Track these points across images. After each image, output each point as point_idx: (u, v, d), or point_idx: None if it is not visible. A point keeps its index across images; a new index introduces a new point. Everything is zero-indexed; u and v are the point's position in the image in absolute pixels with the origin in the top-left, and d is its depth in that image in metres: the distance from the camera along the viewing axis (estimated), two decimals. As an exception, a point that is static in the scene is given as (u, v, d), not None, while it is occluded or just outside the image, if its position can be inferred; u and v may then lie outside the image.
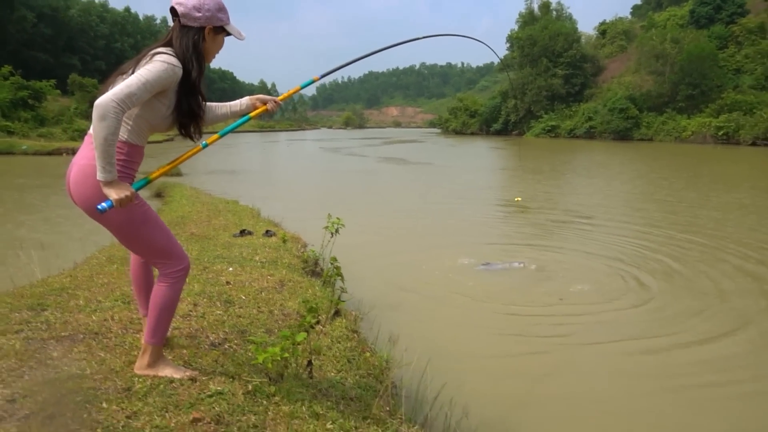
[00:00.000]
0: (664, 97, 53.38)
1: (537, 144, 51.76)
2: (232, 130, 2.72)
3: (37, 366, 2.61)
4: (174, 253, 2.47)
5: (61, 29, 66.76)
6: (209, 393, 2.47)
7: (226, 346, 3.25)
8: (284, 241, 6.85)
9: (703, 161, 30.72)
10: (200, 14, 2.36)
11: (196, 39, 2.38)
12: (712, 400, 4.40)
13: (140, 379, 2.52)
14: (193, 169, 20.22)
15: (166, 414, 2.26)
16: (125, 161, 2.29)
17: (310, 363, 3.02)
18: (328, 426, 2.48)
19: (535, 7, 73.12)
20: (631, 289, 7.01)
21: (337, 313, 3.28)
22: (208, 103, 2.65)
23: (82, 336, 3.06)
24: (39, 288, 4.08)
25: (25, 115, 38.16)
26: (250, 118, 2.76)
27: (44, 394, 2.31)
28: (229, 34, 2.50)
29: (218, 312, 3.84)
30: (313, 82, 2.88)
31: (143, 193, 2.47)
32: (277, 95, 2.92)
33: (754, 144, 42.31)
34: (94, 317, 3.39)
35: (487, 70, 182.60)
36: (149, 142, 2.55)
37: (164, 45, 2.36)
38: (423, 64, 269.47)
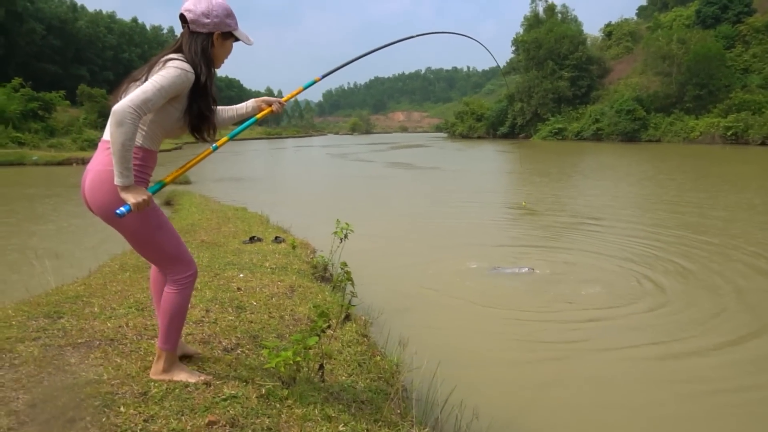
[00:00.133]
0: (672, 98, 53.15)
1: (544, 147, 51.67)
2: (240, 132, 2.78)
3: (55, 372, 2.67)
4: (184, 260, 2.53)
5: (69, 41, 67.48)
6: (224, 397, 2.52)
7: (238, 351, 3.30)
8: (294, 248, 6.91)
9: (712, 162, 30.58)
10: (209, 20, 2.42)
11: (204, 44, 2.43)
12: (736, 406, 4.34)
13: (156, 384, 2.57)
14: (201, 177, 20.37)
15: (182, 417, 2.32)
16: (141, 166, 2.34)
17: (321, 367, 3.06)
18: (341, 428, 2.52)
19: (540, 10, 73.16)
20: (644, 291, 7.00)
21: (348, 317, 3.32)
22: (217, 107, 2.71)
23: (98, 342, 3.12)
24: (54, 296, 4.16)
25: (36, 126, 38.53)
26: (256, 120, 2.81)
27: (64, 399, 2.37)
28: (237, 39, 2.55)
29: (230, 318, 3.90)
30: (315, 82, 2.92)
31: (156, 200, 2.53)
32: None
33: (763, 143, 42.08)
34: (109, 324, 3.46)
35: (493, 73, 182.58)
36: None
37: (174, 51, 2.41)
38: (429, 69, 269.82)
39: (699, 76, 50.22)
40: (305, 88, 2.92)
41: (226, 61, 2.62)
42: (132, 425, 2.22)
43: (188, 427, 2.24)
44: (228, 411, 2.40)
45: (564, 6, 74.45)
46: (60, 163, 30.55)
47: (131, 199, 2.20)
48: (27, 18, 60.20)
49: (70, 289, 4.50)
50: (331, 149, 54.48)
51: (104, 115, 38.55)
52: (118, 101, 2.34)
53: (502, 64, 75.74)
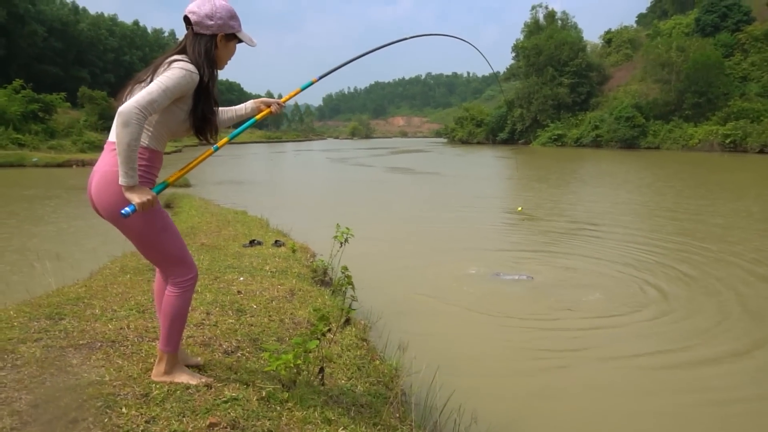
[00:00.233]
0: (671, 105, 53.29)
1: (544, 153, 51.77)
2: (240, 133, 2.81)
3: (57, 373, 2.69)
4: (186, 263, 2.55)
5: (71, 43, 67.60)
6: (224, 399, 2.54)
7: (239, 354, 3.32)
8: (294, 251, 6.93)
9: (711, 169, 30.65)
10: (212, 22, 2.44)
11: (208, 46, 2.45)
12: (739, 416, 4.33)
13: (158, 386, 2.59)
14: (201, 180, 20.40)
15: (184, 419, 2.33)
16: (147, 166, 2.37)
17: (321, 370, 3.08)
18: (340, 431, 2.54)
19: (541, 16, 73.40)
20: (645, 298, 7.02)
21: (348, 321, 3.35)
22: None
23: (99, 344, 3.13)
24: (55, 298, 4.17)
25: (36, 128, 38.56)
26: (256, 121, 2.83)
27: (66, 400, 2.38)
28: (240, 41, 2.57)
29: (230, 321, 3.92)
30: (312, 83, 2.94)
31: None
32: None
33: (761, 151, 42.20)
34: (110, 326, 3.48)
35: (493, 79, 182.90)
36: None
37: (178, 53, 2.44)
38: (429, 74, 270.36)
39: (698, 83, 50.37)
40: (303, 89, 2.94)
41: (228, 63, 2.65)
42: (134, 426, 2.23)
43: (189, 429, 2.26)
44: (229, 413, 2.42)
45: (564, 13, 74.76)
46: (60, 165, 30.56)
47: (136, 198, 2.22)
48: (29, 20, 60.31)
49: (71, 290, 4.52)
50: (330, 153, 54.55)
51: (104, 117, 38.63)
52: (122, 103, 2.38)
53: (502, 69, 76.00)
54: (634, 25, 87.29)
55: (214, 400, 2.52)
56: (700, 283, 7.69)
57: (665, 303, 6.85)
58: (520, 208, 14.71)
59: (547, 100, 65.11)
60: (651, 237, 11.01)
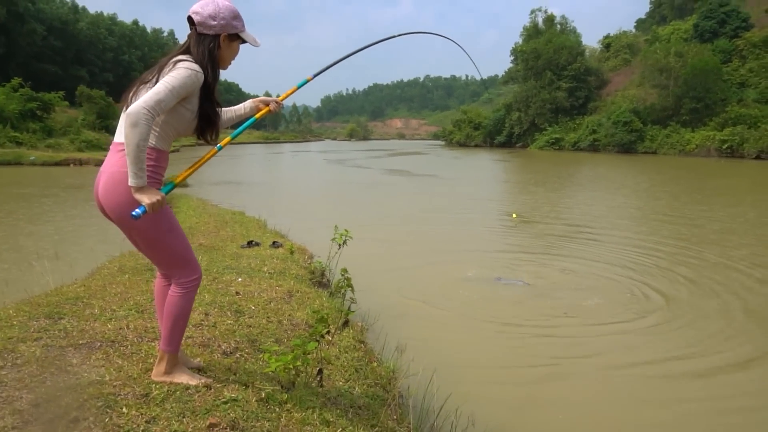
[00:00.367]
0: (668, 111, 53.42)
1: (541, 156, 51.87)
2: (241, 132, 2.82)
3: (57, 372, 2.71)
4: (191, 263, 2.57)
5: (70, 42, 67.50)
6: (224, 400, 2.55)
7: (237, 355, 3.34)
8: (291, 253, 6.95)
9: (708, 175, 30.75)
10: (215, 22, 2.46)
11: (212, 46, 2.47)
12: (736, 427, 4.34)
13: (158, 386, 2.61)
14: (198, 180, 20.38)
15: (184, 419, 2.35)
16: (154, 166, 2.38)
17: (320, 372, 3.10)
18: (339, 433, 2.56)
19: (540, 20, 73.51)
20: (645, 303, 7.05)
21: (346, 323, 3.37)
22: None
23: (99, 344, 3.15)
24: (54, 297, 4.18)
25: (34, 126, 38.45)
26: (256, 120, 2.85)
27: (67, 399, 2.40)
28: (244, 41, 2.59)
29: (229, 321, 3.93)
30: (307, 81, 2.96)
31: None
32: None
33: (758, 157, 42.33)
34: (109, 326, 3.49)
35: (491, 82, 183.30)
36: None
37: (183, 53, 2.46)
38: (427, 77, 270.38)
39: (696, 89, 50.51)
40: (299, 87, 2.97)
41: (234, 59, 2.67)
42: (134, 426, 2.25)
43: (189, 429, 2.28)
44: (228, 414, 2.43)
45: (563, 17, 74.98)
46: (57, 164, 30.50)
47: (146, 200, 2.24)
48: (28, 18, 60.18)
49: (70, 290, 4.53)
50: (328, 155, 54.56)
51: (102, 116, 38.50)
52: (127, 103, 2.40)
53: (500, 73, 76.00)
54: (633, 30, 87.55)
55: (214, 400, 2.53)
56: (700, 288, 7.72)
57: (665, 308, 6.88)
58: (514, 215, 14.60)
59: (545, 103, 65.22)
60: (648, 241, 11.05)
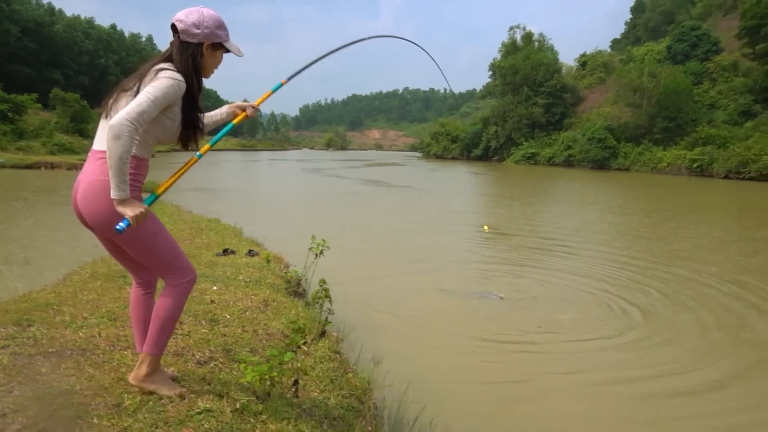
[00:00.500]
0: (641, 129, 54.53)
1: (517, 170, 52.46)
2: (220, 139, 2.79)
3: (26, 381, 2.64)
4: (182, 264, 2.53)
5: (45, 44, 66.30)
6: (198, 410, 2.52)
7: (212, 365, 3.29)
8: (268, 261, 6.90)
9: (678, 192, 31.39)
10: (199, 31, 2.45)
11: (194, 54, 2.46)
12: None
13: (130, 396, 2.56)
14: (173, 187, 19.90)
15: (157, 430, 2.31)
16: (134, 174, 2.35)
17: (296, 382, 3.08)
18: (314, 444, 2.54)
19: (518, 37, 74.61)
20: (618, 318, 7.14)
21: (323, 334, 3.35)
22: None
23: (69, 352, 3.08)
24: (23, 303, 4.08)
25: (4, 128, 37.64)
26: (234, 126, 2.83)
27: (35, 410, 2.34)
28: (228, 50, 2.58)
29: (203, 330, 3.88)
30: (281, 85, 2.95)
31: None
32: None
33: (726, 177, 43.36)
34: (80, 333, 3.42)
35: (469, 96, 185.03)
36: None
37: (165, 60, 2.44)
38: (406, 89, 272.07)
39: (668, 109, 51.69)
40: (274, 91, 2.96)
41: (217, 68, 2.66)
42: (105, 437, 2.20)
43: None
44: (203, 424, 2.40)
45: (541, 35, 76.05)
46: (28, 167, 29.89)
47: (129, 212, 2.21)
48: (2, 19, 59.04)
49: (40, 296, 4.42)
50: (305, 164, 54.42)
51: (76, 120, 37.88)
52: (107, 109, 2.37)
53: (479, 87, 76.72)
54: (609, 50, 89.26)
55: (188, 411, 2.50)
56: (675, 303, 7.87)
57: (642, 323, 6.99)
58: (486, 227, 14.63)
59: (522, 118, 66.06)
60: (622, 256, 11.23)
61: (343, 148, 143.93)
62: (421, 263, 10.11)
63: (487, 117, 72.20)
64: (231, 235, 9.45)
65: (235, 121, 2.83)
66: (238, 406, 2.67)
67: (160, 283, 2.64)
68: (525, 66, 66.69)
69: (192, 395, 2.67)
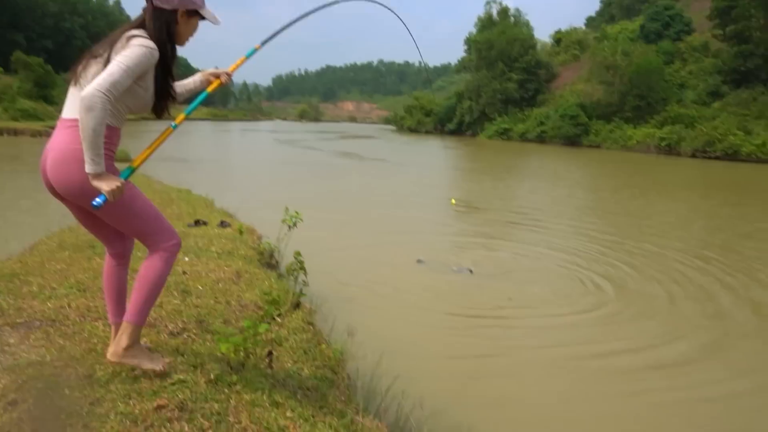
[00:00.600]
0: (613, 107, 55.08)
1: (490, 146, 52.72)
2: (195, 108, 2.70)
3: (-6, 352, 2.60)
4: (165, 227, 2.45)
5: (4, 4, 63.59)
6: (172, 381, 2.51)
7: (185, 336, 3.27)
8: (240, 233, 6.85)
9: (646, 170, 31.95)
10: None
11: (169, 21, 2.38)
12: (663, 406, 4.52)
13: (102, 367, 2.54)
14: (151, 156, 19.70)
15: (130, 401, 2.30)
16: (107, 144, 2.25)
17: (270, 353, 3.09)
18: (288, 414, 2.56)
19: (494, 12, 74.17)
20: (592, 292, 7.28)
21: (298, 305, 3.36)
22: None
23: (38, 323, 3.04)
24: (-12, 273, 3.99)
25: (-38, 91, 36.32)
26: (208, 94, 2.74)
27: (4, 381, 2.31)
28: (203, 17, 2.50)
29: (175, 302, 3.85)
30: (255, 50, 2.89)
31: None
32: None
33: (693, 156, 44.25)
34: (49, 304, 3.36)
35: (444, 70, 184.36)
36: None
37: (137, 27, 2.34)
38: (381, 61, 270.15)
39: (639, 87, 52.28)
40: (248, 56, 2.89)
41: (192, 36, 2.58)
42: (77, 408, 2.19)
43: (136, 411, 2.23)
44: (177, 395, 2.39)
45: (517, 10, 75.85)
46: (-11, 133, 28.91)
47: (105, 187, 2.14)
48: (-42, -24, 56.46)
49: (5, 266, 4.33)
50: (278, 135, 53.79)
51: (41, 85, 36.61)
52: (76, 76, 2.29)
53: (454, 61, 76.32)
54: (583, 27, 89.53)
55: (161, 382, 2.48)
56: (644, 277, 8.07)
57: (614, 297, 7.14)
58: (453, 200, 14.71)
59: (496, 94, 66.11)
60: (592, 230, 11.44)
61: (316, 119, 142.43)
62: (393, 236, 10.15)
63: (461, 92, 72.08)
64: (202, 205, 9.35)
65: (209, 89, 2.74)
66: (212, 377, 2.67)
67: (135, 255, 2.59)
68: (500, 41, 66.51)
69: (169, 363, 2.65)
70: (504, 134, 63.42)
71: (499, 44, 66.37)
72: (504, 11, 73.81)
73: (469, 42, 73.68)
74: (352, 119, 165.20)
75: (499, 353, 5.38)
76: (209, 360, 2.90)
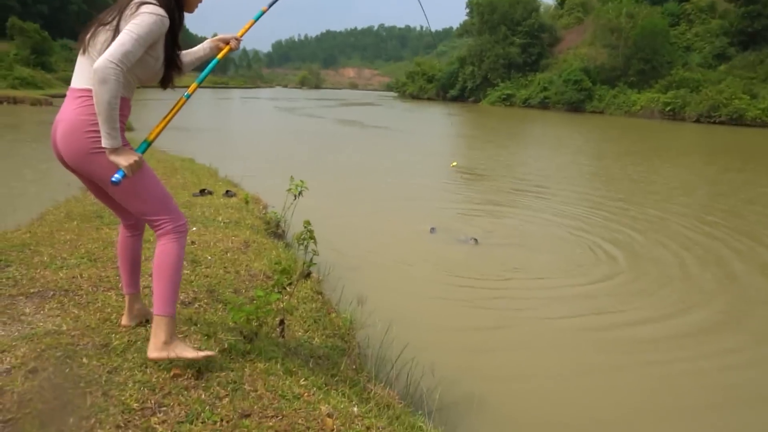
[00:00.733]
0: (617, 71, 54.43)
1: (492, 112, 52.25)
2: (206, 76, 2.64)
3: (10, 322, 2.62)
4: (173, 207, 2.37)
5: (-2, -33, 62.42)
6: (187, 350, 2.53)
7: (196, 305, 3.31)
8: (246, 202, 6.86)
9: (650, 136, 31.74)
10: None
11: None
12: (675, 376, 4.47)
13: (117, 336, 2.57)
14: (144, 125, 19.53)
15: (147, 369, 2.33)
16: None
17: (282, 322, 3.12)
18: (302, 382, 2.60)
19: (497, -27, 72.62)
20: (597, 261, 7.26)
21: (308, 275, 3.38)
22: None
23: (51, 293, 3.06)
24: (-2, 244, 4.00)
25: (-41, 60, 35.93)
26: (219, 61, 2.69)
27: (23, 349, 2.33)
28: None
29: (186, 272, 3.87)
30: (263, 13, 2.85)
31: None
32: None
33: (698, 121, 43.94)
34: (61, 274, 3.38)
35: (446, 35, 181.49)
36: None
37: None
38: (382, 26, 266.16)
39: (644, 50, 51.54)
40: (256, 20, 2.84)
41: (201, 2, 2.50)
42: (96, 376, 2.22)
43: (153, 380, 2.27)
44: (192, 364, 2.42)
45: (520, -29, 74.15)
46: (-12, 102, 28.67)
47: (122, 162, 2.10)
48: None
49: (15, 236, 4.34)
50: (279, 102, 53.35)
51: (38, 52, 35.98)
52: (84, 45, 2.24)
53: (455, 25, 75.03)
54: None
55: (177, 351, 2.51)
56: (649, 245, 8.04)
57: (623, 264, 7.10)
58: (454, 163, 14.70)
59: (499, 59, 65.26)
60: (596, 197, 11.43)
61: (317, 86, 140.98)
62: (397, 204, 10.14)
63: (463, 56, 71.13)
64: (207, 175, 9.34)
65: (219, 56, 2.68)
66: (226, 346, 2.71)
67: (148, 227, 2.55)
68: (503, 3, 65.36)
69: (179, 335, 2.68)
70: (507, 100, 62.83)
71: (502, 6, 65.26)
72: (507, -27, 72.21)
73: (471, 5, 72.36)
74: (354, 86, 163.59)
75: (508, 324, 5.33)
76: (222, 329, 2.94)
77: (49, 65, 45.03)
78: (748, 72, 45.69)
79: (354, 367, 3.32)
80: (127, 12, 2.19)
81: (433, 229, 8.15)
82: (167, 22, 2.23)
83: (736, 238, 8.65)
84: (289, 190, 5.69)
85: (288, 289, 3.56)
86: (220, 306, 3.35)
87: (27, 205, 6.75)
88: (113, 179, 2.10)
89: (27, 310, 2.78)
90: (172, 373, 2.32)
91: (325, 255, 6.12)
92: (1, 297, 2.92)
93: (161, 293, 2.33)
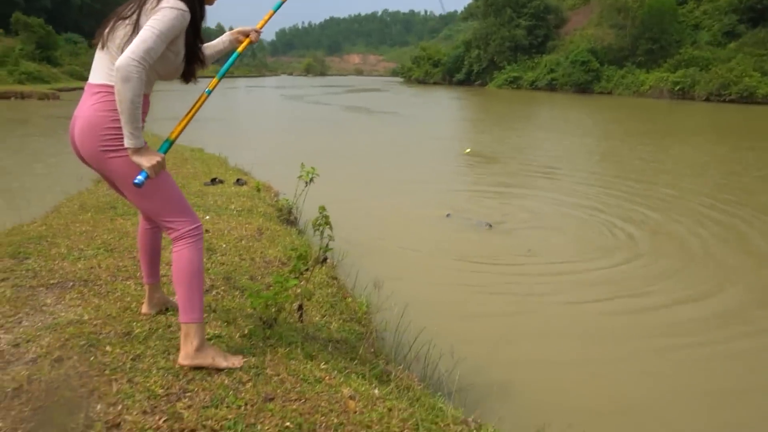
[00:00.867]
0: (625, 51, 53.78)
1: (499, 95, 51.91)
2: (227, 70, 2.60)
3: (33, 312, 2.65)
4: (189, 210, 2.32)
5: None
6: (208, 336, 2.55)
7: (214, 293, 3.33)
8: (258, 190, 6.87)
9: (659, 116, 31.43)
10: None
11: None
12: (700, 360, 4.40)
13: (139, 324, 2.59)
14: (152, 115, 19.50)
15: (169, 356, 2.35)
16: None
17: (300, 308, 3.13)
18: (322, 366, 2.61)
19: (501, -46, 71.74)
20: (616, 242, 7.19)
21: (325, 260, 3.39)
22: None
23: (71, 283, 3.08)
24: (15, 236, 4.04)
25: (-35, 56, 36.02)
26: (239, 54, 2.64)
27: (48, 339, 2.36)
28: None
29: (201, 260, 3.89)
30: (282, 3, 2.77)
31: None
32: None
33: (707, 100, 43.40)
34: (79, 265, 3.41)
35: (450, 18, 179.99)
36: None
37: None
38: (386, 11, 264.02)
39: (652, 30, 50.85)
40: (275, 10, 2.78)
41: None
42: (120, 363, 2.24)
43: (177, 366, 2.28)
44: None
45: (525, -49, 73.20)
46: (-4, 97, 28.77)
47: (145, 163, 2.06)
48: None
49: (31, 229, 4.38)
50: (285, 90, 53.24)
51: (43, 47, 35.96)
52: (103, 39, 2.18)
53: (460, 8, 74.20)
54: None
55: (198, 337, 2.53)
56: (665, 224, 7.99)
57: (641, 246, 7.02)
58: (468, 150, 14.66)
59: (505, 41, 64.64)
60: (607, 178, 11.36)
61: (322, 73, 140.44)
62: (407, 189, 10.12)
63: (469, 40, 70.49)
64: (217, 164, 9.36)
65: (240, 49, 2.63)
66: (246, 331, 2.72)
67: None
68: (508, -15, 64.63)
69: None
70: (513, 83, 62.32)
71: (507, -12, 64.50)
72: (512, -46, 71.34)
73: (476, -13, 71.60)
74: (359, 72, 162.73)
75: (530, 310, 5.27)
76: (240, 315, 2.96)
77: (55, 59, 45.07)
78: (758, 49, 44.94)
79: (372, 350, 3.33)
80: (148, 6, 2.13)
81: (449, 215, 8.13)
82: (188, 16, 2.16)
83: (754, 215, 8.58)
84: (300, 176, 5.70)
85: (305, 274, 3.57)
86: (237, 293, 3.37)
87: (40, 198, 6.80)
88: (136, 181, 2.06)
89: (48, 301, 2.81)
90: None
91: (339, 240, 6.12)
92: (21, 288, 2.95)
93: (184, 301, 2.28)
